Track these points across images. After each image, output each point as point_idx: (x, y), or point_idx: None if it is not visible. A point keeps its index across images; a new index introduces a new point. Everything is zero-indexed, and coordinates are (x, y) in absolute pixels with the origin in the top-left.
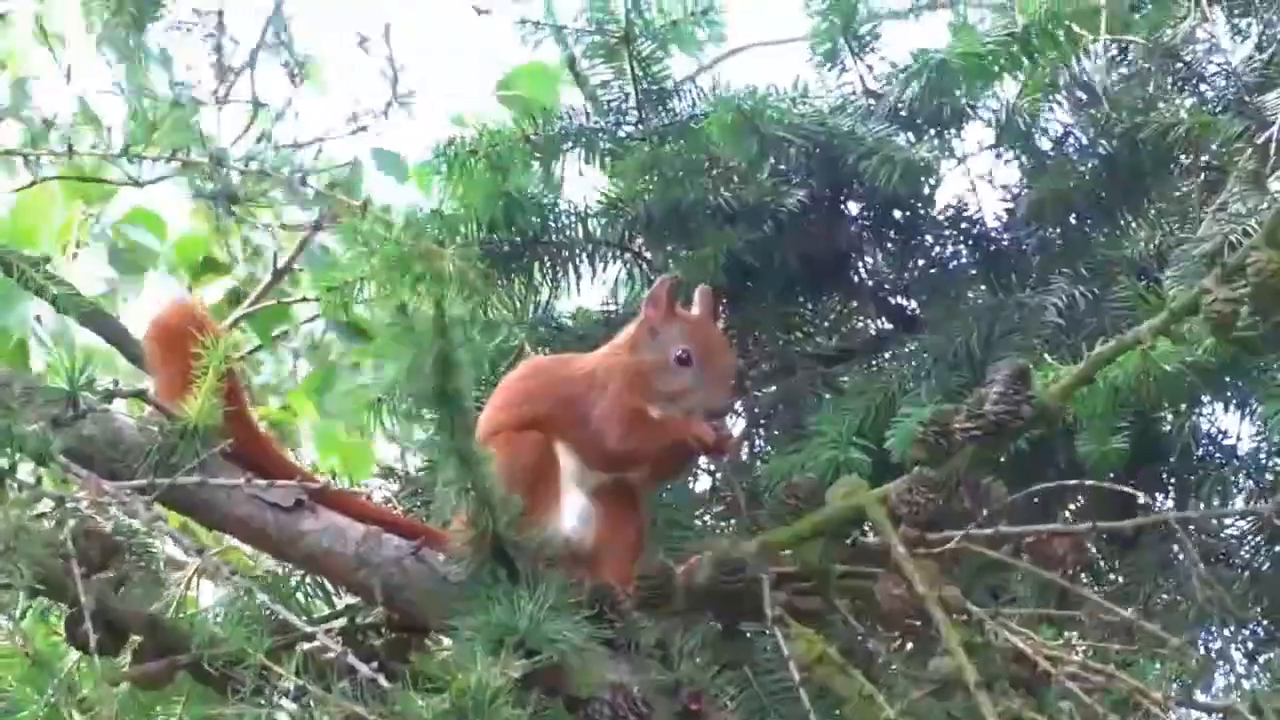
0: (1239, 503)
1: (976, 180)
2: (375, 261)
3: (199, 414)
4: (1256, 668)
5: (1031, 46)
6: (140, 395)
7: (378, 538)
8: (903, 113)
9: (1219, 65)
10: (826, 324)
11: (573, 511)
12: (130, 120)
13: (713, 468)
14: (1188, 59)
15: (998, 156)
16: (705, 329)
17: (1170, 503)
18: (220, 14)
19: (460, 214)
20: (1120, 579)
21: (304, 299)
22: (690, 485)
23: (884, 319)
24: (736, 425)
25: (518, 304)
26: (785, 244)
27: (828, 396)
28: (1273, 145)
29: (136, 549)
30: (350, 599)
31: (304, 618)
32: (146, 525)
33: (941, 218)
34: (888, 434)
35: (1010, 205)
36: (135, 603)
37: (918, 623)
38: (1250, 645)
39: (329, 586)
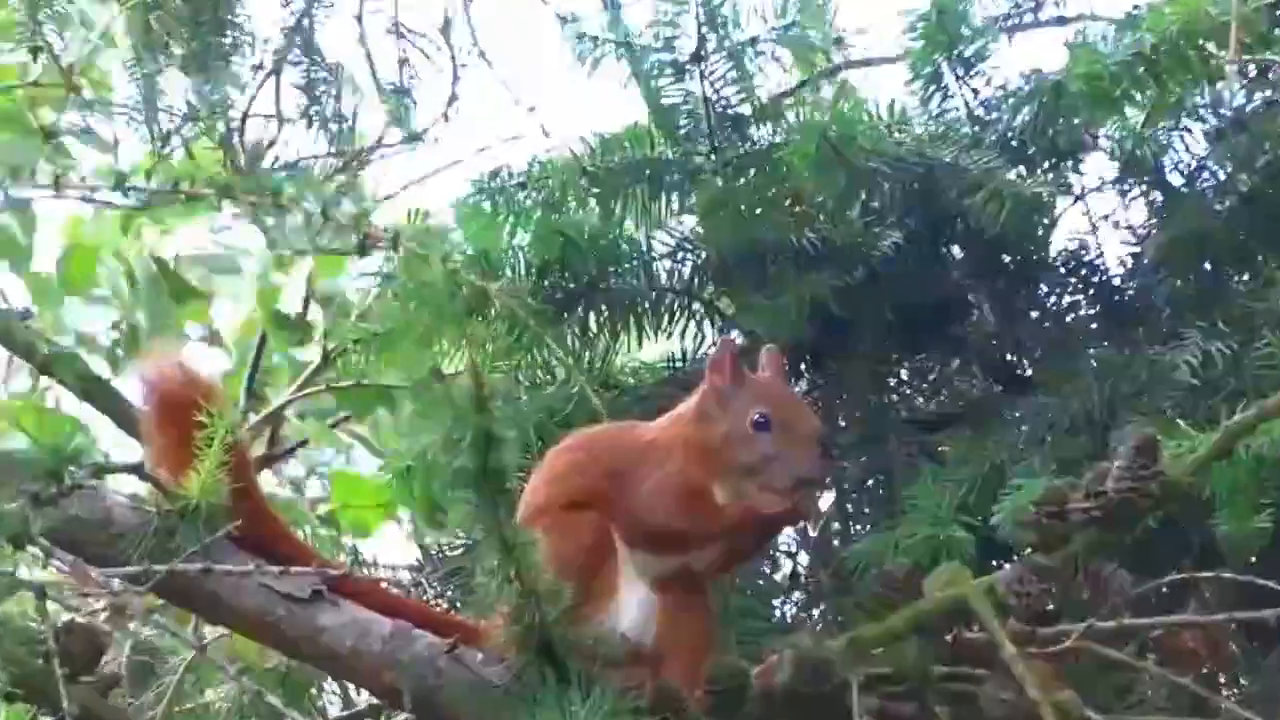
0: None
1: (1098, 220)
2: (412, 310)
3: (202, 491)
4: None
5: (1160, 67)
6: (135, 470)
7: (407, 634)
8: (1013, 143)
9: None
10: (925, 384)
11: (631, 604)
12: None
13: (793, 548)
14: None
15: (1122, 193)
16: (780, 390)
17: None
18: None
19: (507, 256)
20: (1263, 682)
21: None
22: (768, 571)
23: (991, 379)
24: (821, 499)
25: (570, 360)
26: (878, 292)
27: (926, 467)
28: None
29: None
30: (372, 700)
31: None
32: (140, 619)
33: (1058, 263)
34: (995, 510)
35: (1136, 249)
36: (126, 711)
37: None
38: None
39: (346, 685)
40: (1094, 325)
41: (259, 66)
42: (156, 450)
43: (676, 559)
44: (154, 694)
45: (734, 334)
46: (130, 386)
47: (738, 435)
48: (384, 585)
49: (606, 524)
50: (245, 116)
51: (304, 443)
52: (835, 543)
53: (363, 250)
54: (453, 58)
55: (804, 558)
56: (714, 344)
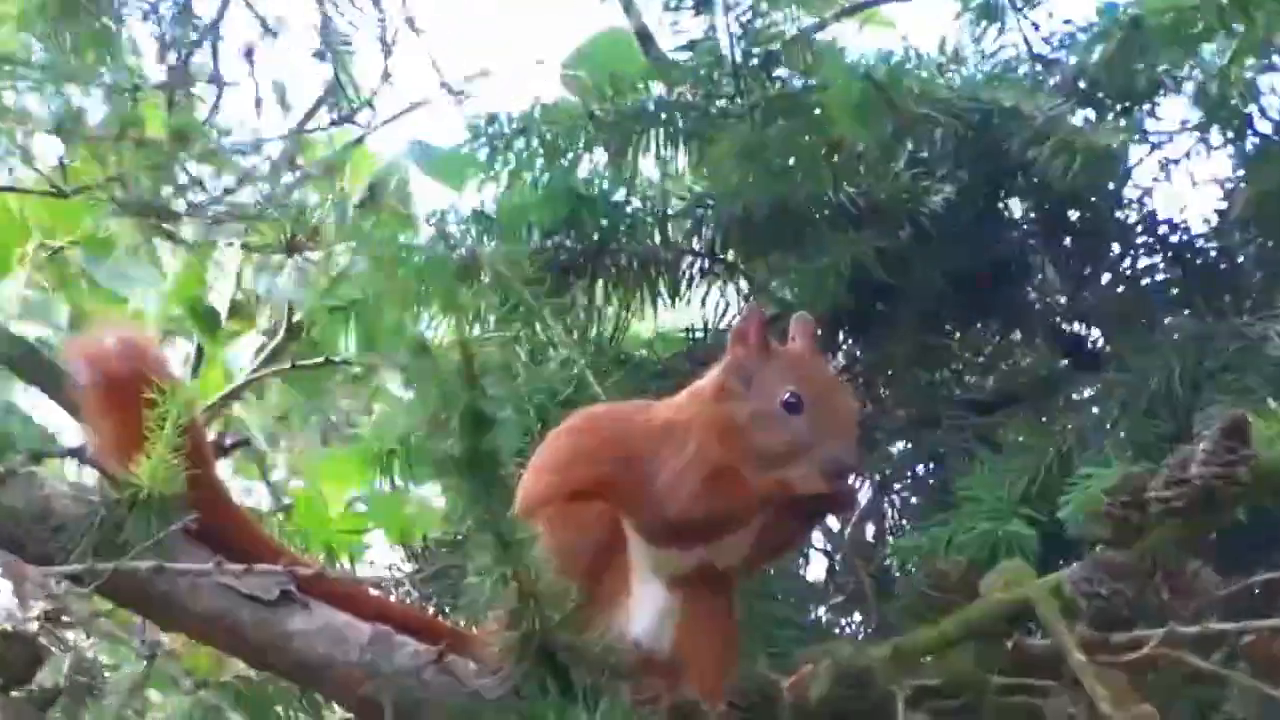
0: None
1: (1177, 173)
2: (391, 279)
3: (153, 478)
4: None
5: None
6: (77, 455)
7: (389, 641)
8: (1081, 85)
9: None
10: (981, 360)
11: (645, 606)
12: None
13: (830, 546)
14: None
15: (1204, 142)
16: (813, 365)
17: None
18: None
19: (508, 213)
20: None
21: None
22: (801, 571)
23: (1057, 353)
24: (862, 491)
25: (575, 330)
26: (927, 254)
27: (982, 454)
28: None
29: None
30: (348, 716)
31: None
32: (83, 623)
33: (1132, 221)
34: (1062, 501)
35: (1222, 205)
36: None
37: None
38: None
39: (319, 700)
40: (1174, 292)
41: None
42: (101, 435)
43: (697, 555)
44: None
45: (762, 301)
46: (70, 363)
47: (764, 416)
48: (363, 586)
49: (616, 516)
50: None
51: (245, 441)
52: (877, 539)
53: (290, 250)
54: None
55: (842, 556)
56: (739, 313)
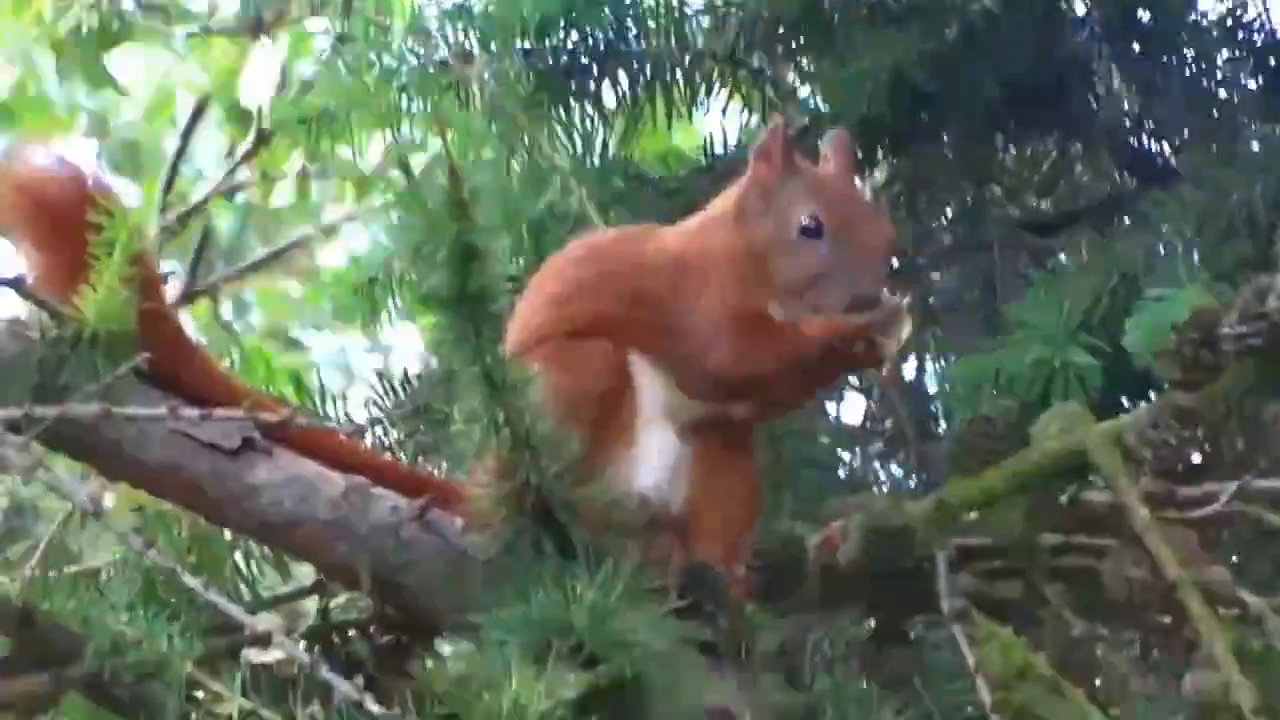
0: None
1: None
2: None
3: (99, 313)
4: None
5: None
6: (13, 285)
7: (365, 494)
8: None
9: None
10: (1038, 176)
11: (654, 457)
12: None
13: (864, 384)
14: None
15: None
16: (839, 186)
17: None
18: None
19: (498, 11)
20: None
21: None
22: (832, 410)
23: (1123, 169)
24: (901, 325)
25: (579, 144)
26: (978, 58)
27: (1038, 279)
28: None
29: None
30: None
31: (245, 599)
32: (21, 474)
33: (1209, 20)
34: (1129, 323)
35: None
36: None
37: (1166, 618)
38: None
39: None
40: (1255, 100)
41: None
42: (39, 266)
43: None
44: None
45: (790, 113)
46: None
47: (782, 242)
48: (337, 432)
49: (622, 356)
50: None
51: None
52: (920, 375)
53: (257, 31)
54: None
55: (881, 394)
56: (763, 124)
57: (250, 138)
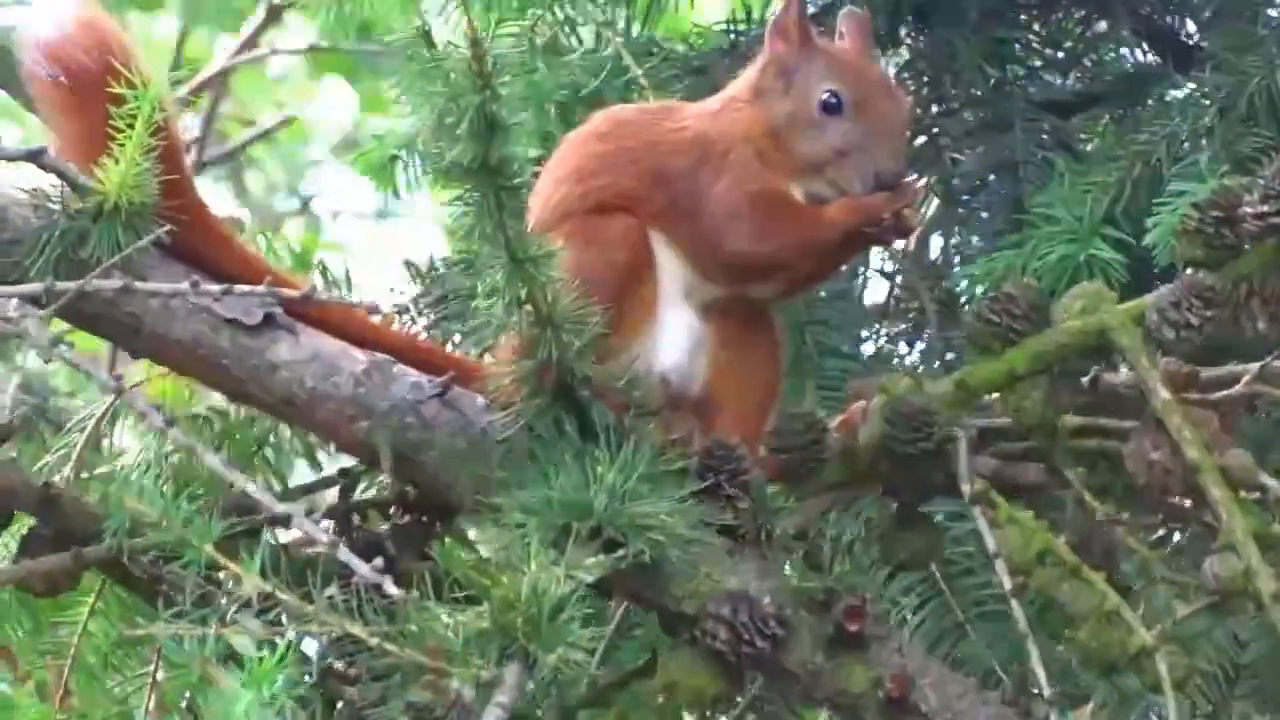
0: None
1: None
2: None
3: (121, 185)
4: None
5: None
6: (34, 158)
7: (387, 371)
8: None
9: None
10: (1061, 55)
11: (675, 337)
12: None
13: (888, 265)
14: None
15: None
16: (859, 62)
17: None
18: None
19: None
20: None
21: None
22: (854, 291)
23: (1146, 48)
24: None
25: (601, 17)
26: None
27: (1062, 161)
28: None
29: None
30: (344, 461)
31: (273, 490)
32: (42, 351)
33: None
34: (1149, 223)
35: None
36: (21, 470)
37: (1187, 503)
38: None
39: (312, 441)
40: None
41: None
42: (62, 135)
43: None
44: (57, 454)
45: None
46: (22, 51)
47: (802, 119)
48: (360, 309)
49: (643, 233)
50: None
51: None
52: (943, 258)
53: None
54: None
55: (903, 277)
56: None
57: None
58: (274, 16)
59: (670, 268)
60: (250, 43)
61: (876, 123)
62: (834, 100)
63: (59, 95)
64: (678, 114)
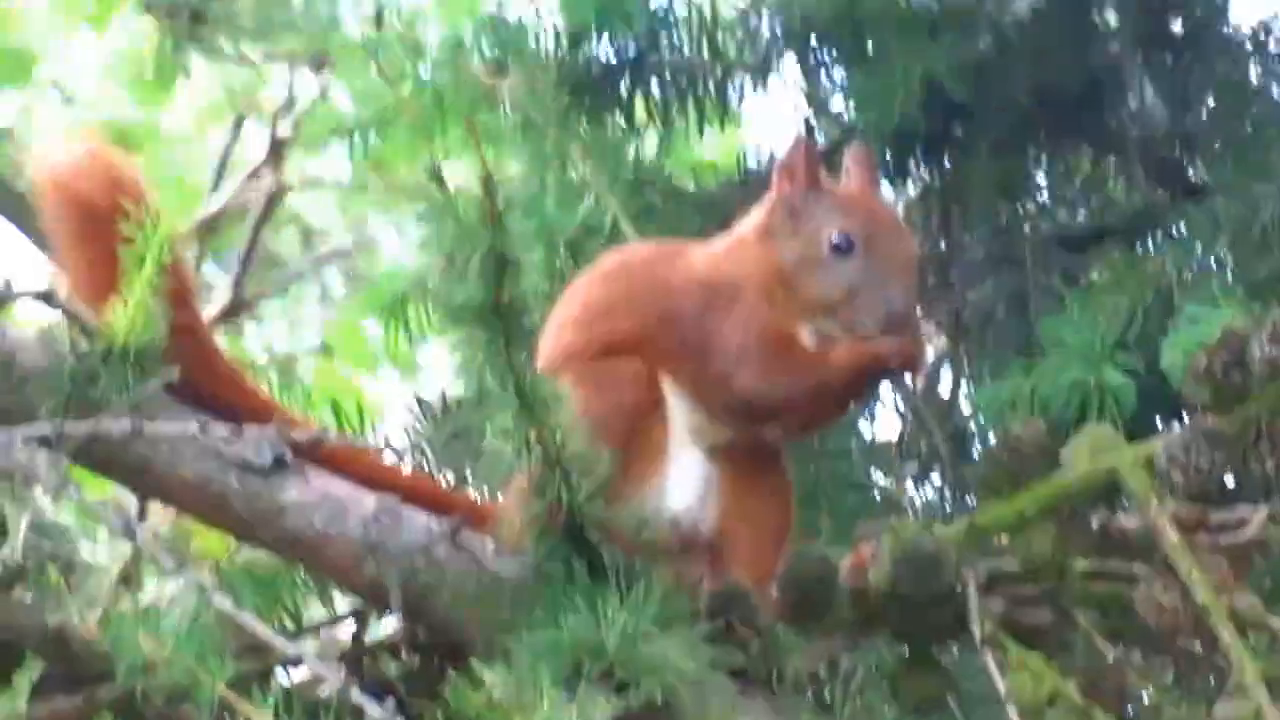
0: None
1: None
2: (402, 95)
3: (129, 326)
4: None
5: None
6: (45, 299)
7: (396, 514)
8: None
9: None
10: (1070, 189)
11: (685, 479)
12: None
13: (900, 403)
14: None
15: None
16: (867, 201)
17: None
18: None
19: (527, 23)
20: None
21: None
22: (866, 430)
23: (1156, 182)
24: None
25: (609, 156)
26: (1010, 69)
27: (1072, 296)
28: None
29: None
30: (355, 603)
31: (285, 628)
32: (52, 491)
33: (1242, 32)
34: (1163, 347)
35: None
36: (33, 611)
37: (1197, 645)
38: None
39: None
40: None
41: None
42: (72, 273)
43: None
44: (81, 598)
45: (823, 124)
46: (33, 184)
47: (812, 260)
48: (370, 451)
49: (653, 375)
50: None
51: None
52: (954, 393)
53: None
54: None
55: (914, 413)
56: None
57: (267, 147)
58: (276, 151)
59: (679, 410)
60: (254, 176)
61: (887, 262)
62: (844, 241)
63: (68, 226)
64: (686, 255)
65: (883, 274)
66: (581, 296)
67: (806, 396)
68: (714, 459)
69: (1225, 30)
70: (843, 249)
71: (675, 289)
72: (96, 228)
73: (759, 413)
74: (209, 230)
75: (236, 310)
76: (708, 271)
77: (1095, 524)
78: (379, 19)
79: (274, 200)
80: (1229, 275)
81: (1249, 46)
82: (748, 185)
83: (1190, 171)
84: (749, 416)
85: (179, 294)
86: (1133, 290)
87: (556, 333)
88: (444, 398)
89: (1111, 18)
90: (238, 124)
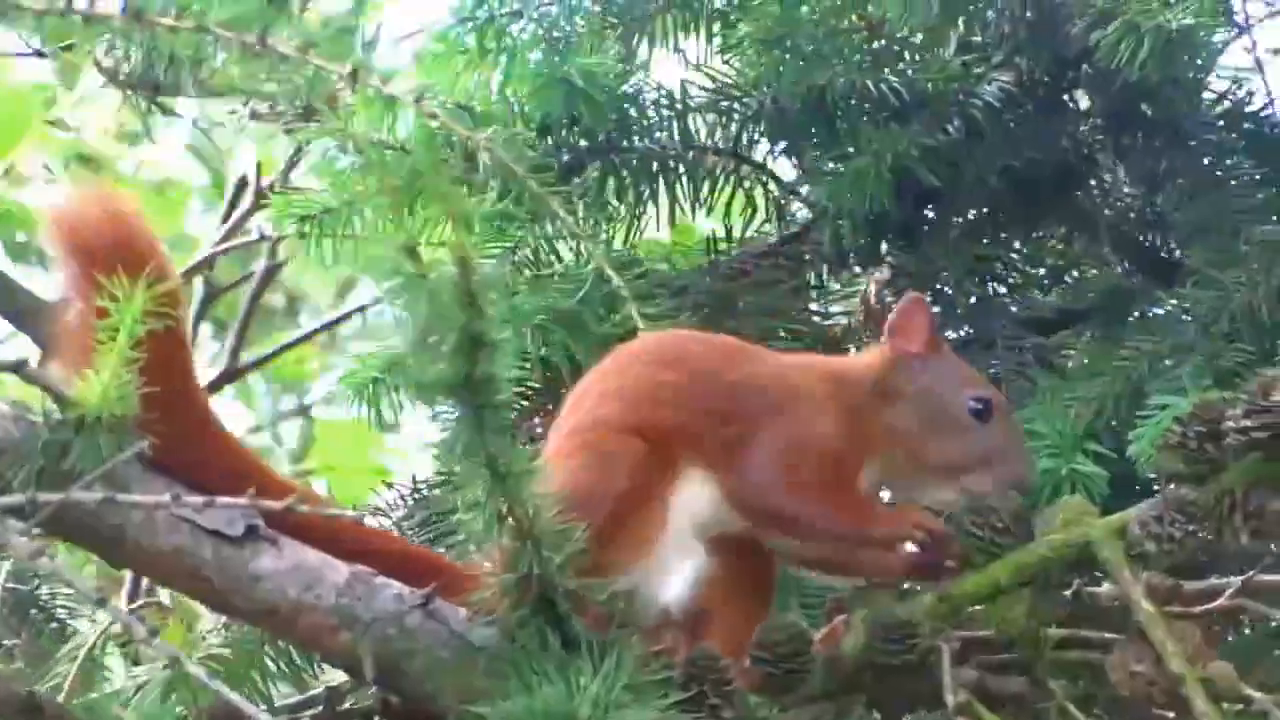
0: None
1: (1267, 59)
2: (372, 184)
3: (102, 398)
4: None
5: None
6: (15, 369)
7: (369, 583)
8: None
9: None
10: (1042, 272)
11: (681, 573)
12: None
13: None
14: None
15: None
16: (973, 369)
17: None
18: None
19: (499, 110)
20: None
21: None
22: None
23: (1127, 265)
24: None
25: (581, 228)
26: (980, 152)
27: (1044, 379)
28: None
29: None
30: (329, 679)
31: (260, 704)
32: (26, 562)
33: (1214, 115)
34: (1132, 436)
35: None
36: (6, 680)
37: (1170, 716)
38: None
39: (298, 663)
40: (1259, 196)
41: None
42: (77, 317)
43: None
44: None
45: (793, 205)
46: (46, 233)
47: (948, 423)
48: (344, 519)
49: (659, 463)
50: None
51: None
52: None
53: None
54: None
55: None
56: (770, 220)
57: (246, 204)
58: (260, 202)
59: (695, 504)
60: (238, 226)
61: (1015, 433)
62: (984, 407)
63: (72, 275)
64: (751, 357)
65: (1016, 442)
66: (629, 375)
67: (834, 533)
68: (710, 551)
69: (1198, 109)
70: (984, 414)
71: (735, 387)
72: (99, 275)
73: (784, 526)
74: (209, 299)
75: (231, 378)
76: (774, 377)
77: (1068, 593)
78: (355, 75)
79: (272, 273)
80: (1199, 362)
81: (1222, 125)
82: (717, 271)
83: (1162, 253)
84: (771, 524)
85: (172, 358)
86: (1104, 380)
87: (598, 400)
88: (414, 479)
89: (1082, 99)
90: (240, 185)
